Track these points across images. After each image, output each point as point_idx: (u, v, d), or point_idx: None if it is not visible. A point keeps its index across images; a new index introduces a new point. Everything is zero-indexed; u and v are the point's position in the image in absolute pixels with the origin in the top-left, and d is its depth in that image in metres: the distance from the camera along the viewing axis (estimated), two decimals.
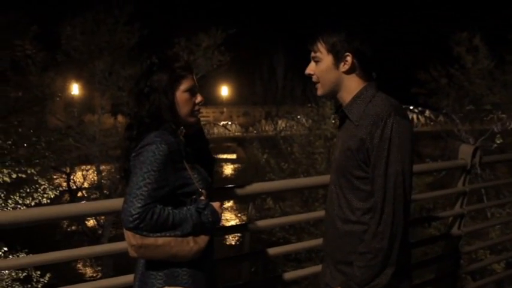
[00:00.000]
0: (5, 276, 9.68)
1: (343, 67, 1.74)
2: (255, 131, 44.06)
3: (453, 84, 13.60)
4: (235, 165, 41.73)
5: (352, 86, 1.76)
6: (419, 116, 51.18)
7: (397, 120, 1.62)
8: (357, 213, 1.73)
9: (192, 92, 1.81)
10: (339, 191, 1.80)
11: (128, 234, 1.62)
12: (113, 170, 18.80)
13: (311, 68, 1.82)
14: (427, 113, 48.85)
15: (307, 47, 1.83)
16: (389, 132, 1.61)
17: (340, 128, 1.86)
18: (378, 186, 1.64)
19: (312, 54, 1.80)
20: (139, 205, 1.56)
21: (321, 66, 1.78)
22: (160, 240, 1.62)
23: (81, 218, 15.34)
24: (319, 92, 1.84)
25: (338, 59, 1.73)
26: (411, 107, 51.62)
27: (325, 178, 2.38)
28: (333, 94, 1.82)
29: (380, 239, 1.63)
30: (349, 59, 1.72)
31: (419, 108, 49.43)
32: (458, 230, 3.32)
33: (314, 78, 1.82)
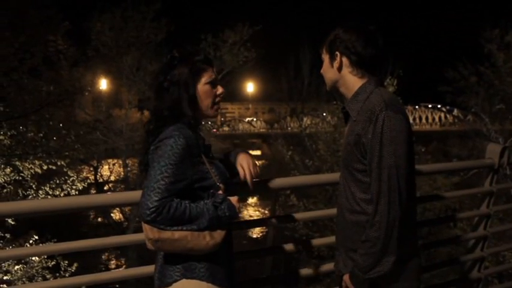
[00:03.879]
0: (35, 264, 9.99)
1: (336, 65, 1.86)
2: (280, 128, 43.96)
3: (483, 83, 13.25)
4: (260, 162, 41.73)
5: (350, 83, 1.86)
6: (447, 115, 50.19)
7: (388, 115, 1.69)
8: (361, 203, 1.82)
9: (213, 84, 1.83)
10: (345, 184, 1.90)
11: (145, 227, 1.63)
12: (136, 165, 19.13)
13: (322, 68, 1.97)
14: (455, 112, 47.83)
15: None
16: (381, 127, 1.69)
17: (346, 124, 1.96)
18: (373, 178, 1.72)
19: (322, 55, 1.95)
20: (156, 198, 1.58)
21: (324, 65, 1.93)
22: (177, 234, 1.63)
23: (105, 208, 15.66)
24: (327, 88, 1.99)
25: (332, 57, 1.87)
26: (439, 106, 50.67)
27: None
28: (335, 90, 1.94)
29: (377, 228, 1.71)
30: (338, 57, 1.84)
31: (448, 107, 48.50)
32: (484, 230, 3.27)
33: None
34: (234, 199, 1.77)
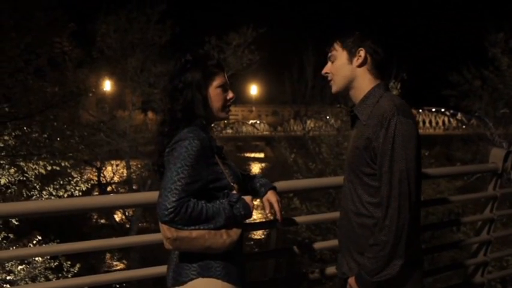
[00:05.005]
0: (38, 264, 10.02)
1: (357, 61, 1.86)
2: (283, 131, 43.95)
3: (487, 87, 13.21)
4: (263, 164, 41.75)
5: (363, 84, 1.87)
6: (451, 119, 50.11)
7: (400, 120, 1.71)
8: (368, 207, 1.83)
9: (224, 88, 1.88)
10: (350, 186, 1.91)
11: (163, 227, 1.67)
12: (140, 166, 19.14)
13: (327, 67, 1.96)
14: (459, 115, 47.72)
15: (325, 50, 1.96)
16: (393, 132, 1.70)
17: (352, 127, 1.96)
18: (384, 182, 1.73)
19: (329, 54, 1.94)
20: (174, 199, 1.61)
21: (336, 63, 1.91)
22: (195, 233, 1.67)
23: (109, 210, 15.67)
24: (333, 89, 1.95)
25: (352, 54, 1.86)
26: (442, 110, 50.55)
27: None
28: (345, 91, 1.93)
29: (387, 232, 1.72)
30: (362, 53, 1.84)
31: (451, 111, 48.41)
32: (488, 235, 3.26)
33: (329, 77, 1.95)
34: (248, 198, 1.81)
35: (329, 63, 1.95)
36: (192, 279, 1.75)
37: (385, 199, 1.73)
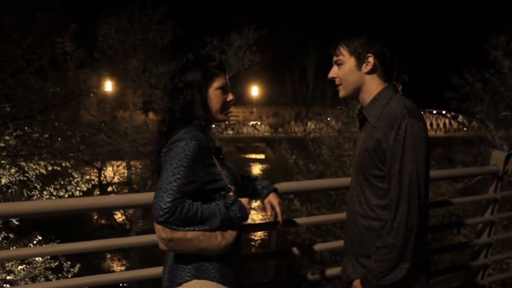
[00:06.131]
0: (38, 264, 10.02)
1: (366, 68, 1.82)
2: (284, 132, 43.94)
3: (488, 89, 13.20)
4: (264, 166, 41.73)
5: (372, 87, 1.84)
6: (452, 121, 50.08)
7: (410, 122, 1.69)
8: (375, 209, 1.81)
9: (224, 90, 1.87)
10: (358, 189, 1.88)
11: (158, 227, 1.67)
12: (140, 167, 19.15)
13: (334, 72, 1.91)
14: (460, 118, 47.70)
15: (329, 53, 1.92)
16: (403, 134, 1.69)
17: (361, 129, 1.94)
18: (393, 184, 1.71)
19: (335, 58, 1.89)
20: (169, 199, 1.60)
21: (344, 68, 1.86)
22: (190, 234, 1.66)
23: (109, 210, 15.68)
24: (341, 94, 1.92)
25: (360, 60, 1.82)
26: (444, 112, 50.52)
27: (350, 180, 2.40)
28: (354, 95, 1.90)
29: (395, 234, 1.70)
30: (371, 60, 1.81)
31: (452, 113, 48.39)
32: (488, 237, 3.26)
33: (337, 81, 1.91)
34: (244, 200, 1.79)
35: (335, 67, 1.91)
36: (186, 280, 1.74)
37: (395, 201, 1.71)
